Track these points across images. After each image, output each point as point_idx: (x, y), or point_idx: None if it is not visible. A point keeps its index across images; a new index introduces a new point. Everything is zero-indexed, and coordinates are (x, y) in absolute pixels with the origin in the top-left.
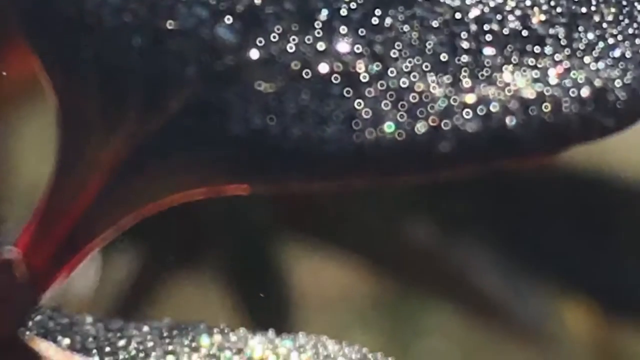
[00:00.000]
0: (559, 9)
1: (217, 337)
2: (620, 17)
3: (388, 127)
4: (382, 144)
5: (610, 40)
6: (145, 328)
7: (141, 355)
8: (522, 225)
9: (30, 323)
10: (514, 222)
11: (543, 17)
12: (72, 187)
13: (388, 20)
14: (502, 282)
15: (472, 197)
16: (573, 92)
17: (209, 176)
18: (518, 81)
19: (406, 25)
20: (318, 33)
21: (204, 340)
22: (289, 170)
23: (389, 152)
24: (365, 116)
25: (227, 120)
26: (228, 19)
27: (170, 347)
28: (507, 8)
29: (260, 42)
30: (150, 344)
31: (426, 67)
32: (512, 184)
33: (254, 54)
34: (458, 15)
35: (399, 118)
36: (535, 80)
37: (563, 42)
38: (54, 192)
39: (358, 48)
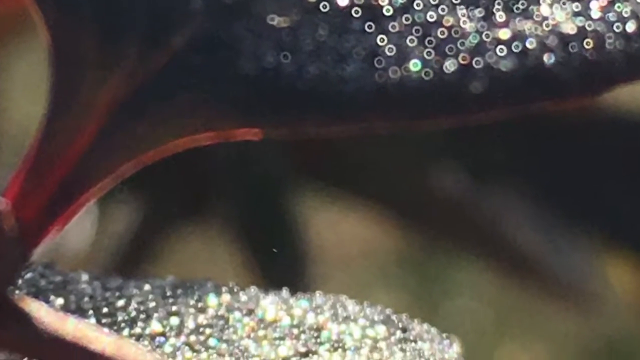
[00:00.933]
0: None
1: (226, 297)
2: None
3: (414, 65)
4: (407, 83)
5: None
6: (147, 287)
7: (142, 316)
8: (561, 173)
9: (20, 281)
10: (553, 170)
11: None
12: (65, 131)
13: None
14: (539, 236)
15: (506, 143)
16: (617, 27)
17: (217, 119)
18: (557, 15)
19: None
20: None
21: (211, 300)
22: (304, 112)
23: (415, 92)
24: (388, 53)
25: (237, 57)
26: None
27: (174, 308)
28: None
29: None
30: (152, 304)
31: None
32: (550, 129)
33: None
34: None
35: (425, 55)
36: (576, 14)
37: None
38: (46, 137)
39: None
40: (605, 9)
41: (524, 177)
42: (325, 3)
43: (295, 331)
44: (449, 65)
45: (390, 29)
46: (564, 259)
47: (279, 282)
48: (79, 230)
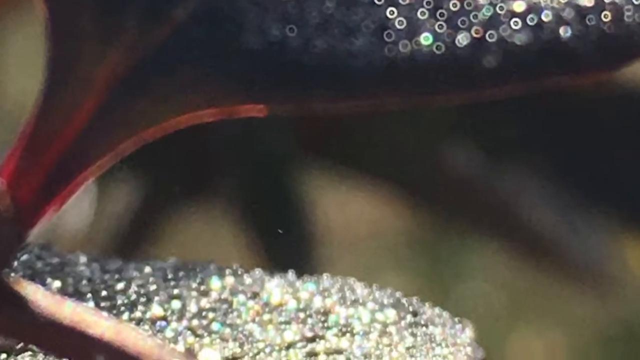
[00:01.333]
0: None
1: (229, 280)
2: None
3: (425, 39)
4: (418, 58)
5: None
6: (147, 269)
7: (142, 299)
8: (578, 151)
9: (15, 263)
10: (569, 148)
11: None
12: (63, 107)
13: None
14: (556, 216)
15: (520, 120)
16: None
17: (220, 95)
18: None
19: None
20: None
21: (214, 282)
22: (311, 88)
23: (426, 67)
24: (398, 26)
25: (241, 30)
26: None
27: (175, 291)
28: None
29: None
30: (152, 287)
31: None
32: (567, 105)
33: None
34: None
35: (437, 28)
36: None
37: None
38: (43, 114)
39: None
40: None
41: (540, 155)
42: None
43: (302, 315)
44: (462, 39)
45: (401, 1)
46: (581, 240)
47: (284, 264)
48: (76, 210)
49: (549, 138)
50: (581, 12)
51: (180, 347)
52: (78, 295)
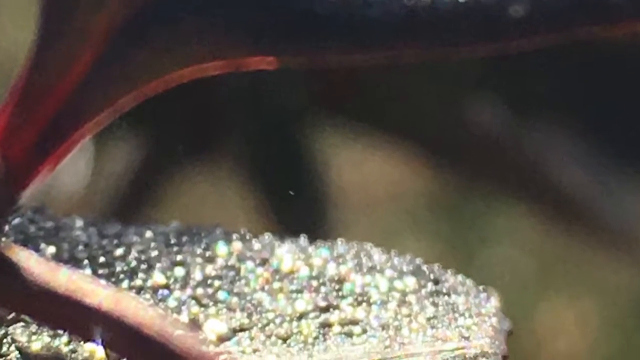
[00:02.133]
0: None
1: (237, 245)
2: None
3: None
4: (439, 6)
5: None
6: (149, 234)
7: (143, 266)
8: (611, 107)
9: (7, 227)
10: (602, 103)
11: None
12: (57, 59)
13: None
14: (587, 177)
15: (549, 73)
16: None
17: (227, 47)
18: None
19: None
20: None
21: (221, 248)
22: (324, 39)
23: (448, 16)
24: None
25: None
26: None
27: (179, 257)
28: None
29: None
30: (154, 254)
31: None
32: (599, 57)
33: None
34: None
35: None
36: None
37: None
38: (36, 67)
39: None
40: None
41: (570, 111)
42: None
43: (315, 283)
44: None
45: None
46: (615, 202)
47: (296, 229)
48: (72, 170)
49: (580, 92)
50: None
51: (184, 317)
52: (74, 261)
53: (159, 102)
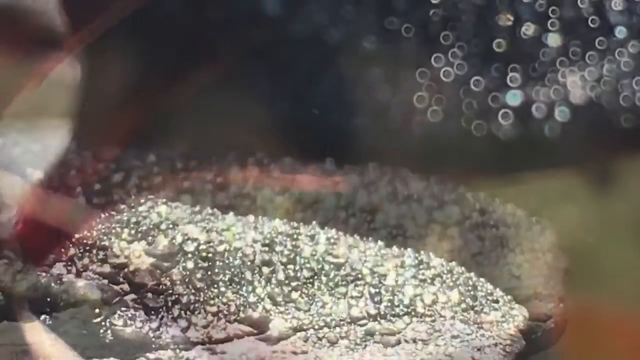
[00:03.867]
0: None
1: (252, 170)
2: None
3: None
4: None
5: None
6: (151, 157)
7: (145, 194)
8: None
9: None
10: None
11: None
12: None
13: None
14: None
15: None
16: None
17: None
18: None
19: None
20: None
21: (234, 174)
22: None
23: None
24: None
25: None
26: None
27: (185, 184)
28: None
29: None
30: (157, 180)
31: None
32: None
33: None
34: None
35: None
36: None
37: None
38: None
39: None
40: None
41: None
42: None
43: (343, 214)
44: None
45: None
46: None
47: (320, 152)
48: (60, 83)
49: None
50: None
51: (190, 248)
52: (64, 189)
53: (157, 11)
